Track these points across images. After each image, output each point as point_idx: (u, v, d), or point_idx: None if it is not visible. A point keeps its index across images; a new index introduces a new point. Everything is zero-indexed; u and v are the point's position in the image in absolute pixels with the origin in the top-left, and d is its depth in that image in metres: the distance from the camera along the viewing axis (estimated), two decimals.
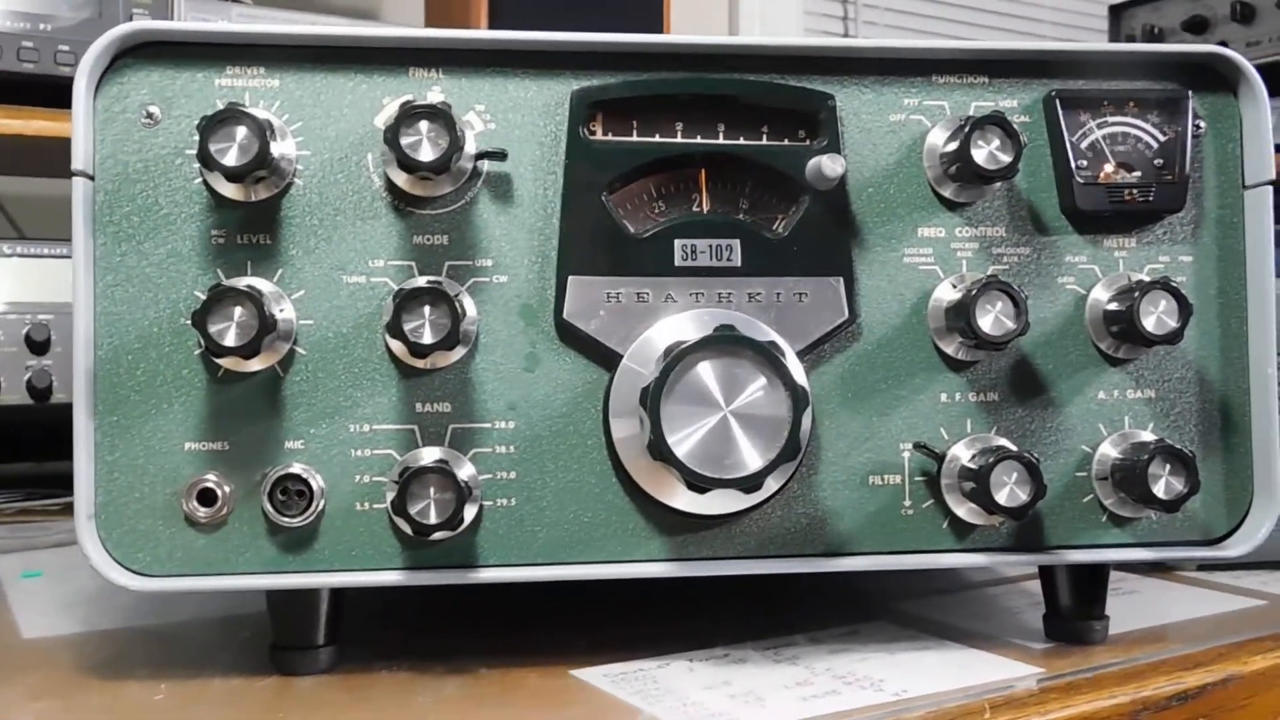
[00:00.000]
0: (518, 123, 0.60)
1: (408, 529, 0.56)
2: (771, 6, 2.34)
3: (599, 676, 0.59)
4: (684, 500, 0.59)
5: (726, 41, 0.62)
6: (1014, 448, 0.60)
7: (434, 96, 0.59)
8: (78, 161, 0.56)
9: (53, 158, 1.18)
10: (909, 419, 0.62)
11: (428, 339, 0.55)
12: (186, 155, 0.57)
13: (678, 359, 0.56)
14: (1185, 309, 0.61)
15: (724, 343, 0.56)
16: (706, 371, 0.56)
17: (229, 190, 0.57)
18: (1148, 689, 0.57)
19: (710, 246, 0.61)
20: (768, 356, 0.56)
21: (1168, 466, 0.60)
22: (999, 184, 0.62)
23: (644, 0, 1.64)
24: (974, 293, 0.59)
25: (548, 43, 0.60)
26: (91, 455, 0.56)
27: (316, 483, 0.57)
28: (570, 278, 0.59)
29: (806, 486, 0.61)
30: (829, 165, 0.60)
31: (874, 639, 0.65)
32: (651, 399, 0.55)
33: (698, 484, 0.55)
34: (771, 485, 0.59)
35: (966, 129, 0.60)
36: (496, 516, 0.59)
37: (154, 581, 0.57)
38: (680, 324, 0.59)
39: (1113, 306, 0.62)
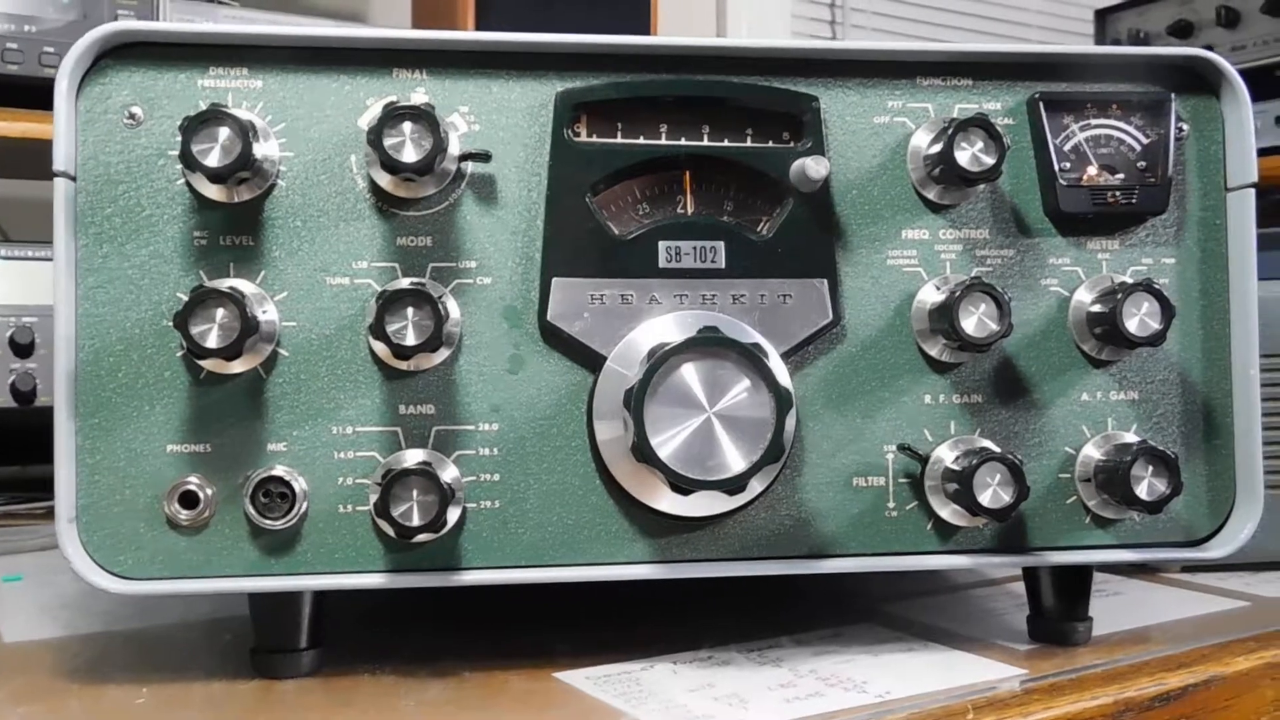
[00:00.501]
0: (502, 124, 0.60)
1: (391, 531, 0.56)
2: (759, 8, 2.34)
3: (582, 679, 0.59)
4: (668, 502, 0.59)
5: (711, 43, 0.62)
6: (997, 449, 0.60)
7: (418, 98, 0.59)
8: (59, 162, 0.56)
9: (38, 160, 1.17)
10: (893, 421, 0.62)
11: (411, 341, 0.55)
12: (169, 156, 0.57)
13: (661, 361, 0.56)
14: (1168, 311, 0.61)
15: (707, 344, 0.56)
16: (690, 373, 0.56)
17: (211, 191, 0.57)
18: (1130, 690, 0.57)
19: (695, 248, 0.61)
20: (751, 358, 0.56)
21: (1150, 468, 0.60)
22: (982, 186, 0.62)
23: (631, 1, 1.63)
24: (957, 294, 0.59)
25: (532, 44, 0.60)
26: (73, 458, 0.56)
27: (299, 485, 0.57)
28: (554, 279, 0.59)
29: (790, 488, 0.61)
30: (813, 167, 0.60)
31: (858, 641, 0.65)
32: (635, 401, 0.55)
33: (681, 486, 0.55)
34: (755, 487, 0.59)
35: (950, 131, 0.60)
36: (480, 519, 0.59)
37: (135, 584, 0.57)
38: (664, 326, 0.59)
39: (1096, 308, 0.62)
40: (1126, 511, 0.62)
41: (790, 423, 0.57)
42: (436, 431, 0.58)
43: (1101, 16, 2.02)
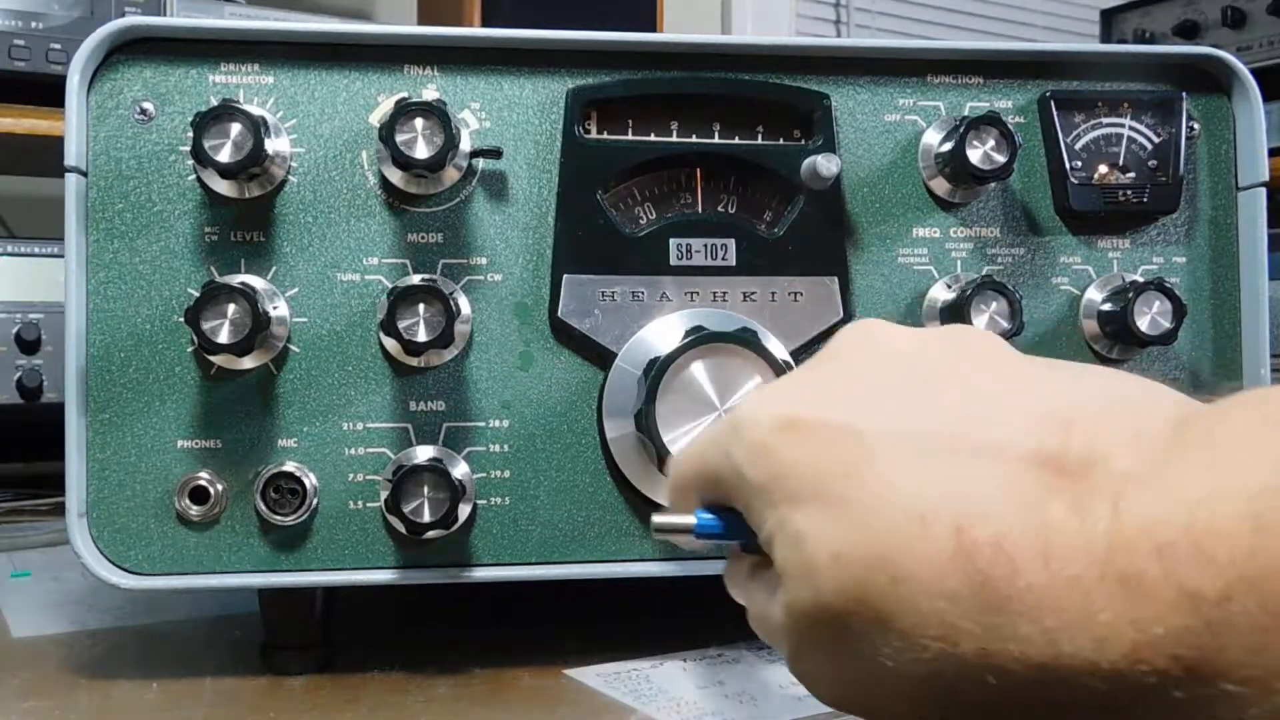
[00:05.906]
0: (513, 121, 0.60)
1: (401, 528, 0.56)
2: (763, 7, 2.34)
3: (592, 676, 0.59)
4: None
5: (723, 41, 0.62)
6: None
7: (429, 94, 0.59)
8: (71, 158, 0.56)
9: (44, 156, 1.18)
10: None
11: (422, 337, 0.55)
12: (180, 152, 0.57)
13: (659, 375, 0.55)
14: (1179, 310, 0.61)
15: (698, 344, 0.56)
16: (697, 374, 0.56)
17: (223, 187, 0.57)
18: None
19: (705, 246, 0.61)
20: (743, 343, 0.56)
21: None
22: (994, 184, 0.62)
23: None
24: (968, 293, 0.59)
25: (544, 41, 0.60)
26: (83, 453, 0.56)
27: (309, 481, 0.57)
28: (565, 276, 0.59)
29: None
30: (824, 165, 0.59)
31: None
32: (646, 420, 0.55)
33: None
34: None
35: (961, 129, 0.60)
36: (490, 515, 0.59)
37: (146, 580, 0.57)
38: (673, 324, 0.59)
39: (1107, 307, 0.62)
40: None
41: None
42: (447, 428, 0.58)
43: (1107, 16, 2.02)
